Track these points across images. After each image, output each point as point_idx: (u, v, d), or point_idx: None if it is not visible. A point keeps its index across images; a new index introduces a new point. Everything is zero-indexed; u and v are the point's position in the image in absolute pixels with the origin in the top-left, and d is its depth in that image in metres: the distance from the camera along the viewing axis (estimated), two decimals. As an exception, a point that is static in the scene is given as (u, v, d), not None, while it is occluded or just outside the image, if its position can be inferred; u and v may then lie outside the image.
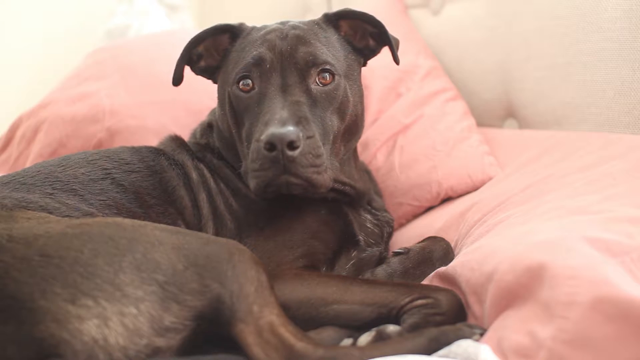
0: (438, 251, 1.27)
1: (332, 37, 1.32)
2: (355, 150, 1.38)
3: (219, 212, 1.25)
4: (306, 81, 1.23)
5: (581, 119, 1.55)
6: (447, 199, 1.62)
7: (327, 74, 1.24)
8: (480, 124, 1.77)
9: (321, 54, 1.25)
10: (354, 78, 1.31)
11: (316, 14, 2.42)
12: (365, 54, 1.37)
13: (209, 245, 0.98)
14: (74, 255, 0.90)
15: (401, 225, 1.65)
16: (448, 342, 0.92)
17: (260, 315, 0.94)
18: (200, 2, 2.90)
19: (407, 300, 1.05)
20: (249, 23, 1.39)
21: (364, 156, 1.68)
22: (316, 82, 1.23)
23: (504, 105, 1.80)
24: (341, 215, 1.30)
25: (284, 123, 1.12)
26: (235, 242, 1.02)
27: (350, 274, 1.27)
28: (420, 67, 1.81)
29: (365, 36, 1.35)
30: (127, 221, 1.01)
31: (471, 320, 1.02)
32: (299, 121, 1.14)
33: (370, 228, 1.35)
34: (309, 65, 1.23)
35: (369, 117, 1.75)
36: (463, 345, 0.87)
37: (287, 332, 0.94)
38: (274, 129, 1.10)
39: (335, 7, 2.33)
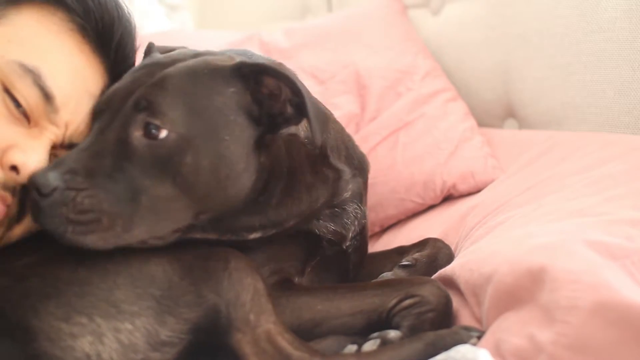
0: (443, 260, 1.26)
1: (224, 90, 1.02)
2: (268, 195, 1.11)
3: None
4: (128, 130, 0.97)
5: (581, 119, 1.55)
6: (447, 198, 1.62)
7: (155, 130, 0.96)
8: (480, 124, 1.77)
9: (161, 103, 0.97)
10: (227, 147, 1.00)
11: (316, 14, 2.42)
12: (277, 121, 1.05)
13: (204, 254, 0.97)
14: (68, 275, 0.91)
15: (400, 221, 1.65)
16: (445, 346, 0.92)
17: (257, 324, 0.93)
18: (200, 2, 2.89)
19: (394, 302, 1.04)
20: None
21: (361, 149, 1.65)
22: (140, 134, 0.97)
23: (504, 105, 1.80)
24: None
25: (48, 168, 0.96)
26: (231, 250, 1.00)
27: (320, 268, 1.20)
28: (420, 68, 1.81)
29: (284, 101, 1.06)
30: None
31: (471, 322, 1.02)
32: (71, 170, 0.94)
33: (331, 234, 1.21)
34: (137, 109, 0.98)
35: (367, 115, 1.75)
36: (462, 351, 0.86)
37: (284, 341, 0.93)
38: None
39: (336, 8, 2.32)
